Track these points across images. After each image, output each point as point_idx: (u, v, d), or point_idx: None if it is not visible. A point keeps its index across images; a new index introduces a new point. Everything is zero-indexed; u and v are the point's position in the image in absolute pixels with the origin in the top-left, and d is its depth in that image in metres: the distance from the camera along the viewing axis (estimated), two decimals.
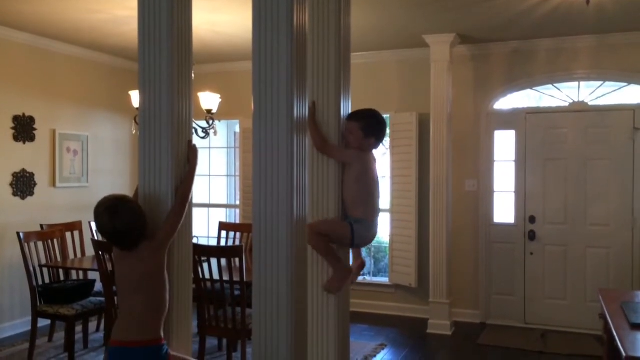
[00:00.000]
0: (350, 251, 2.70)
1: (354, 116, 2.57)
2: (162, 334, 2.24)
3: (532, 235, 5.62)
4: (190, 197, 2.33)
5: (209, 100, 4.96)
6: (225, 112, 5.94)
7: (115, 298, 3.97)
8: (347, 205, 2.53)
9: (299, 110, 2.17)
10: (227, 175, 8.14)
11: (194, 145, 2.40)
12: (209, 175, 7.58)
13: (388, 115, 6.07)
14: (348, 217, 2.52)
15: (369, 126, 2.54)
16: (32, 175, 5.51)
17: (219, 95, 5.07)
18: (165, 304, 2.23)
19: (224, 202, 8.05)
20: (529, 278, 5.65)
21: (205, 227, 7.53)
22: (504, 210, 5.81)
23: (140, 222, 2.19)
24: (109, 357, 2.31)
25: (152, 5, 2.29)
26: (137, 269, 2.21)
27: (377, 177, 2.63)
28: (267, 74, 2.10)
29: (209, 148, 7.31)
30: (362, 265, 2.74)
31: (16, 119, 5.36)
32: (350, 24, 2.67)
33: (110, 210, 2.16)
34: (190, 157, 2.36)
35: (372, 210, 2.56)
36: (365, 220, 2.51)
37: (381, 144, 2.67)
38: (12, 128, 5.33)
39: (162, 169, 2.28)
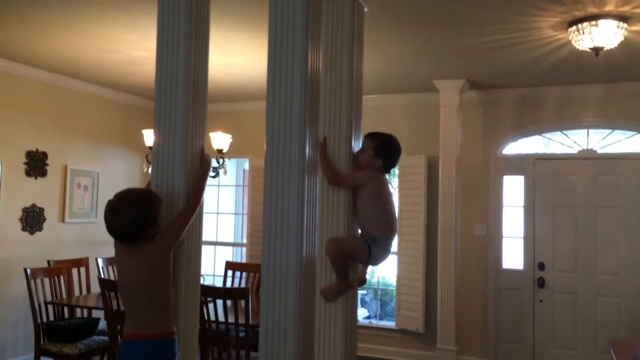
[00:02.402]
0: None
1: (370, 135, 2.63)
2: (174, 328, 2.27)
3: (541, 282, 5.54)
4: (200, 203, 2.35)
5: (220, 140, 5.02)
6: (235, 151, 5.99)
7: (118, 301, 3.93)
8: (363, 225, 2.56)
9: (311, 152, 2.19)
10: (235, 213, 8.15)
11: (208, 156, 2.45)
12: (217, 213, 7.59)
13: None
14: (365, 236, 2.54)
15: (381, 147, 2.58)
16: (41, 210, 5.54)
17: (230, 136, 5.13)
18: (171, 301, 2.27)
19: (231, 240, 8.03)
20: (539, 326, 5.54)
21: (211, 265, 7.49)
22: (513, 256, 5.75)
23: (144, 219, 2.19)
24: (120, 351, 2.34)
25: (170, 48, 2.35)
26: (142, 270, 2.23)
27: (391, 196, 2.66)
28: (281, 117, 2.13)
29: (218, 186, 7.34)
30: (362, 281, 2.74)
31: (29, 154, 5.43)
32: (363, 69, 2.72)
33: (115, 206, 2.23)
34: (202, 164, 2.40)
35: (388, 227, 2.58)
36: (381, 239, 2.53)
37: (390, 171, 2.67)
38: (25, 163, 5.39)
39: (174, 204, 2.30)
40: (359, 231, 2.60)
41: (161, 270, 2.23)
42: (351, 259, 2.54)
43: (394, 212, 2.65)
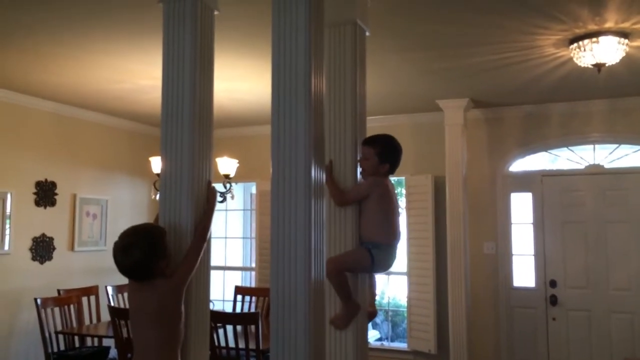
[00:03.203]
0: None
1: (369, 141, 2.57)
2: None
3: (553, 300, 5.48)
4: (208, 235, 2.35)
5: (226, 165, 5.05)
6: (242, 175, 6.01)
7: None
8: (365, 231, 2.51)
9: (317, 175, 2.20)
10: (243, 238, 8.14)
11: (213, 187, 2.45)
12: (225, 238, 7.59)
13: (404, 178, 6.12)
14: (366, 242, 2.50)
15: (385, 152, 2.54)
16: (51, 239, 5.56)
17: (236, 161, 5.16)
18: (180, 336, 2.25)
19: (240, 264, 8.01)
20: (553, 345, 5.47)
21: (220, 290, 7.47)
22: (524, 274, 5.70)
23: (156, 256, 2.20)
24: None
25: (176, 77, 2.38)
26: (153, 304, 2.22)
27: (396, 202, 2.61)
28: (286, 141, 2.15)
29: (226, 210, 7.35)
30: (372, 314, 2.69)
31: (38, 184, 5.48)
32: (366, 91, 2.74)
33: (125, 246, 2.22)
34: (209, 197, 2.41)
35: (392, 233, 2.54)
36: (384, 244, 2.49)
37: (395, 171, 2.61)
38: (34, 193, 5.44)
39: (182, 231, 2.31)
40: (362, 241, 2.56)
41: (172, 307, 2.23)
42: (354, 271, 2.50)
43: (398, 218, 2.60)
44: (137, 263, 2.19)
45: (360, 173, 2.58)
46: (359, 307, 2.50)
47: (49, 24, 3.55)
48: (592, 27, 3.55)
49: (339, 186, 2.53)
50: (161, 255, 2.22)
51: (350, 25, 2.59)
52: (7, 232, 5.15)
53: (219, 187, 5.15)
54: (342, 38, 2.60)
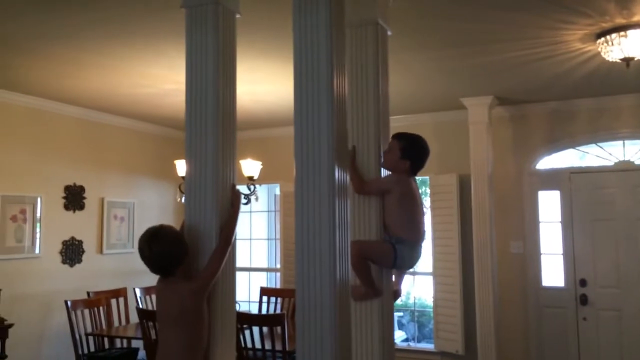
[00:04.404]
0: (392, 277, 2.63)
1: (398, 135, 2.55)
2: None
3: (584, 300, 5.38)
4: (233, 239, 2.36)
5: (250, 167, 5.08)
6: (265, 177, 6.03)
7: None
8: (389, 228, 2.48)
9: (340, 176, 2.20)
10: (268, 239, 8.17)
11: (237, 190, 2.46)
12: (250, 239, 7.63)
13: (428, 178, 6.07)
14: (391, 237, 2.46)
15: (408, 148, 2.50)
16: (80, 242, 5.67)
17: (260, 163, 5.18)
18: (203, 341, 2.26)
19: (265, 265, 8.04)
20: (583, 345, 5.36)
21: (246, 292, 7.51)
22: (553, 273, 5.61)
23: (177, 250, 2.25)
24: None
25: (199, 80, 2.40)
26: (176, 306, 2.25)
27: (420, 200, 2.57)
28: (309, 143, 2.15)
29: (250, 212, 7.39)
30: (397, 294, 2.65)
31: (67, 188, 5.59)
32: (389, 91, 2.73)
33: (150, 235, 2.27)
34: (233, 200, 2.42)
35: (417, 231, 2.49)
36: (409, 241, 2.45)
37: (417, 173, 2.55)
38: (64, 197, 5.55)
39: (207, 233, 2.33)
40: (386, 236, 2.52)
41: (193, 310, 2.24)
42: (376, 264, 2.46)
43: (423, 217, 2.56)
44: (162, 253, 2.23)
45: (381, 164, 2.55)
46: (380, 294, 2.44)
47: (73, 31, 3.61)
48: (620, 20, 3.48)
49: (359, 173, 2.50)
50: (184, 251, 2.26)
51: (371, 25, 2.58)
52: (38, 235, 5.26)
53: (243, 189, 5.19)
54: (363, 39, 2.59)
